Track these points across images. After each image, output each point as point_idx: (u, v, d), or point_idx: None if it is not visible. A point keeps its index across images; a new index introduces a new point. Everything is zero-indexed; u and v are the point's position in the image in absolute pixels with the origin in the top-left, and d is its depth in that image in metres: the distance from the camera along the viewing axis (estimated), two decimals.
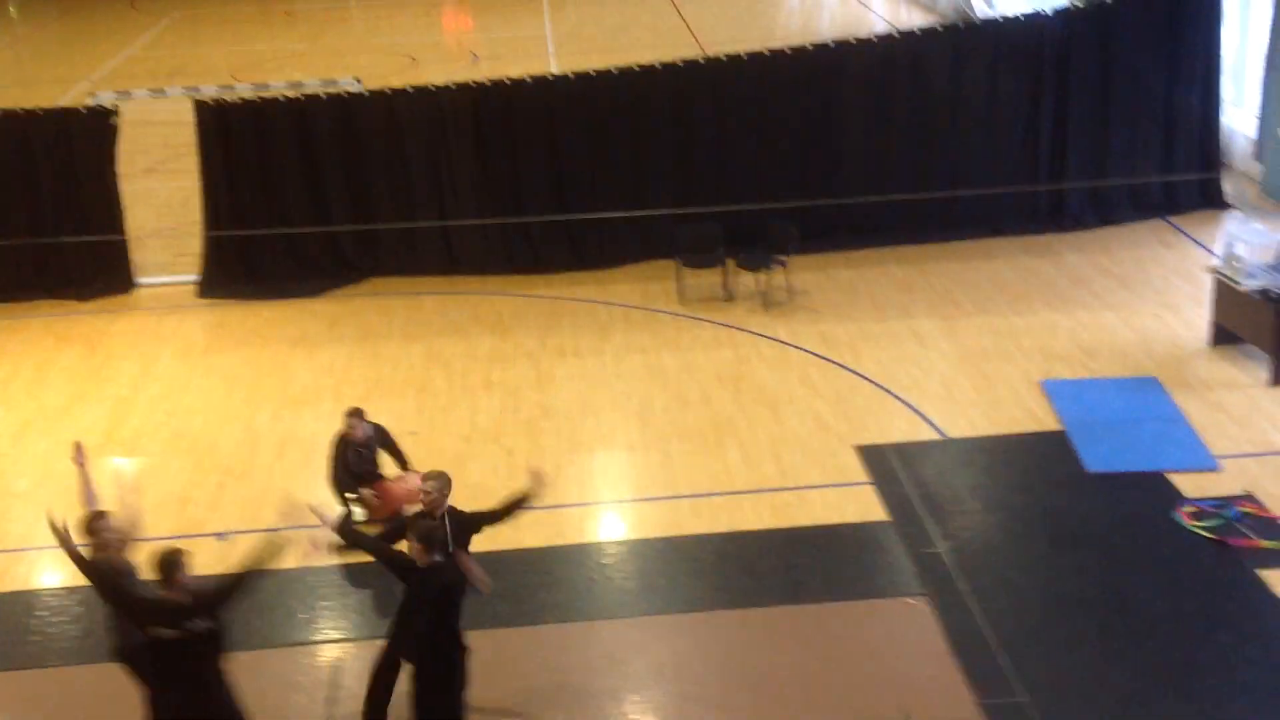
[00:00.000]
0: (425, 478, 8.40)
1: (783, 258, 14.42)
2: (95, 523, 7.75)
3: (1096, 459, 10.68)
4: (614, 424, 11.93)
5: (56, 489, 11.16)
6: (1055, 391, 11.88)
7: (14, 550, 10.32)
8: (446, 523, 8.16)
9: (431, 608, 7.37)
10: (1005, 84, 15.87)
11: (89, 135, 14.96)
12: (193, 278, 15.51)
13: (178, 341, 14.14)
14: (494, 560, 9.05)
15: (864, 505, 10.39)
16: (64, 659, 9.02)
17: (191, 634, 6.82)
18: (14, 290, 15.04)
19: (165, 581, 6.90)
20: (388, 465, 10.54)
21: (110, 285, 15.27)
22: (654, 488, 10.84)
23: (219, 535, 10.32)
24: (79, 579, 9.63)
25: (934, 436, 11.39)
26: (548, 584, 9.57)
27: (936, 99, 15.79)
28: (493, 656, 8.52)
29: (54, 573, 9.96)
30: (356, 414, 10.41)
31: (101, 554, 7.60)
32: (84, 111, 14.99)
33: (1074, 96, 15.95)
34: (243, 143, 15.20)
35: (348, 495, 10.36)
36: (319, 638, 9.14)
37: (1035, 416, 11.58)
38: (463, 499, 10.64)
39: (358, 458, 10.41)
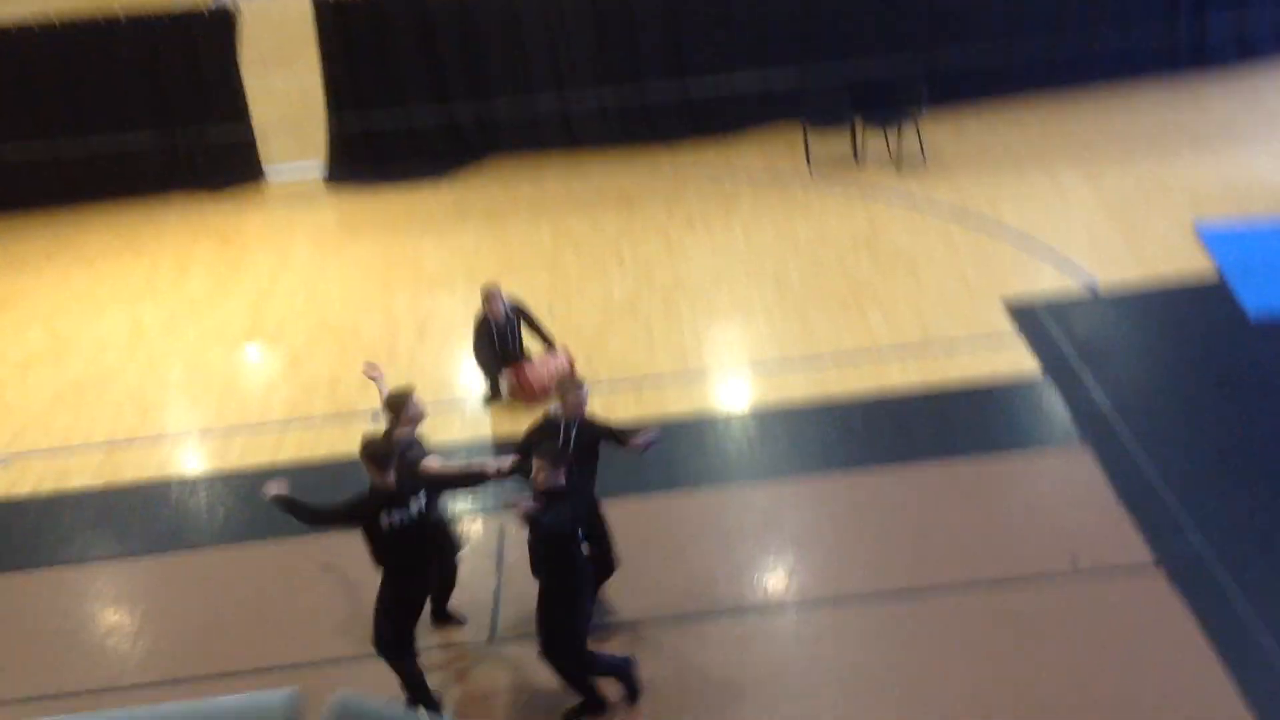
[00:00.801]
0: (565, 384, 7.83)
1: (915, 112, 13.99)
2: (403, 400, 7.81)
3: (1259, 305, 10.29)
4: (749, 293, 11.79)
5: (208, 378, 11.46)
6: (1210, 235, 11.43)
7: (174, 434, 10.61)
8: (572, 437, 7.60)
9: (544, 545, 6.92)
10: None
11: (212, 33, 15.02)
12: (318, 167, 15.60)
13: (309, 231, 14.28)
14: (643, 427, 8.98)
15: (1016, 360, 10.17)
16: (218, 538, 9.26)
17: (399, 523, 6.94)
18: (147, 186, 15.26)
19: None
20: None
21: (239, 177, 15.44)
22: (796, 353, 10.71)
23: (375, 415, 10.45)
24: (229, 464, 10.02)
25: (1083, 289, 11.07)
26: (699, 451, 9.55)
27: None
28: (648, 523, 8.58)
29: (208, 459, 10.21)
30: (494, 293, 10.37)
31: (400, 431, 7.72)
32: (206, 14, 15.08)
33: None
34: (361, 32, 15.11)
35: (495, 376, 10.42)
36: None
37: (1190, 263, 11.17)
38: (604, 370, 10.77)
39: (499, 337, 10.42)
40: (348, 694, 2.51)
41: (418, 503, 7.01)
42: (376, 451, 7.00)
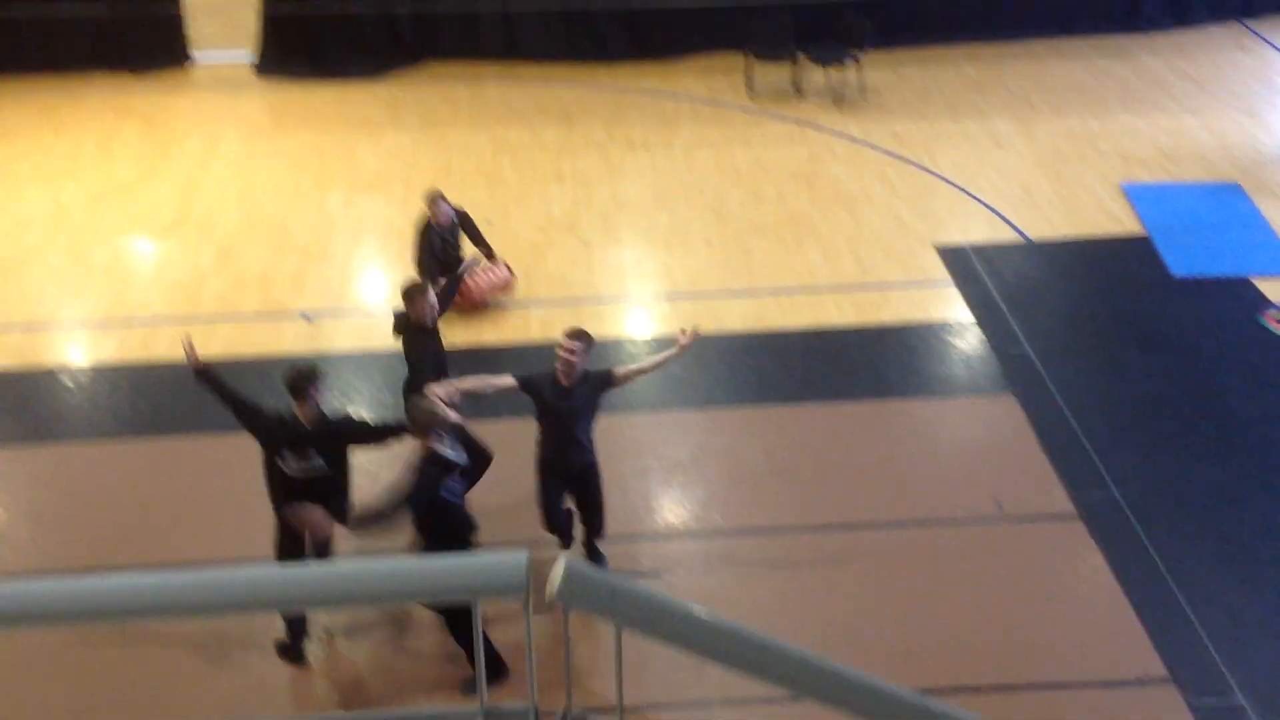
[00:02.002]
0: (568, 336, 7.33)
1: (856, 52, 14.09)
2: (417, 290, 7.91)
3: (1182, 263, 10.66)
4: (689, 218, 11.84)
5: (134, 264, 11.20)
6: (1137, 195, 11.77)
7: (98, 320, 10.38)
8: (581, 389, 7.37)
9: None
10: None
11: None
12: (248, 55, 15.17)
13: (239, 120, 13.93)
14: None
15: (947, 305, 10.42)
16: (140, 429, 9.13)
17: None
18: (68, 62, 14.72)
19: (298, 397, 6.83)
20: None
21: (165, 59, 14.96)
22: (736, 282, 10.83)
23: (304, 315, 10.36)
24: (156, 355, 9.81)
25: (1015, 238, 11.34)
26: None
27: None
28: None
29: (134, 348, 10.02)
30: (439, 197, 10.23)
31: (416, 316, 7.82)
32: None
33: None
34: None
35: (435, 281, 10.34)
36: None
37: (1117, 220, 11.51)
38: (542, 288, 10.77)
39: (443, 243, 10.33)
40: (575, 562, 2.58)
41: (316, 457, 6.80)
42: (294, 380, 6.79)
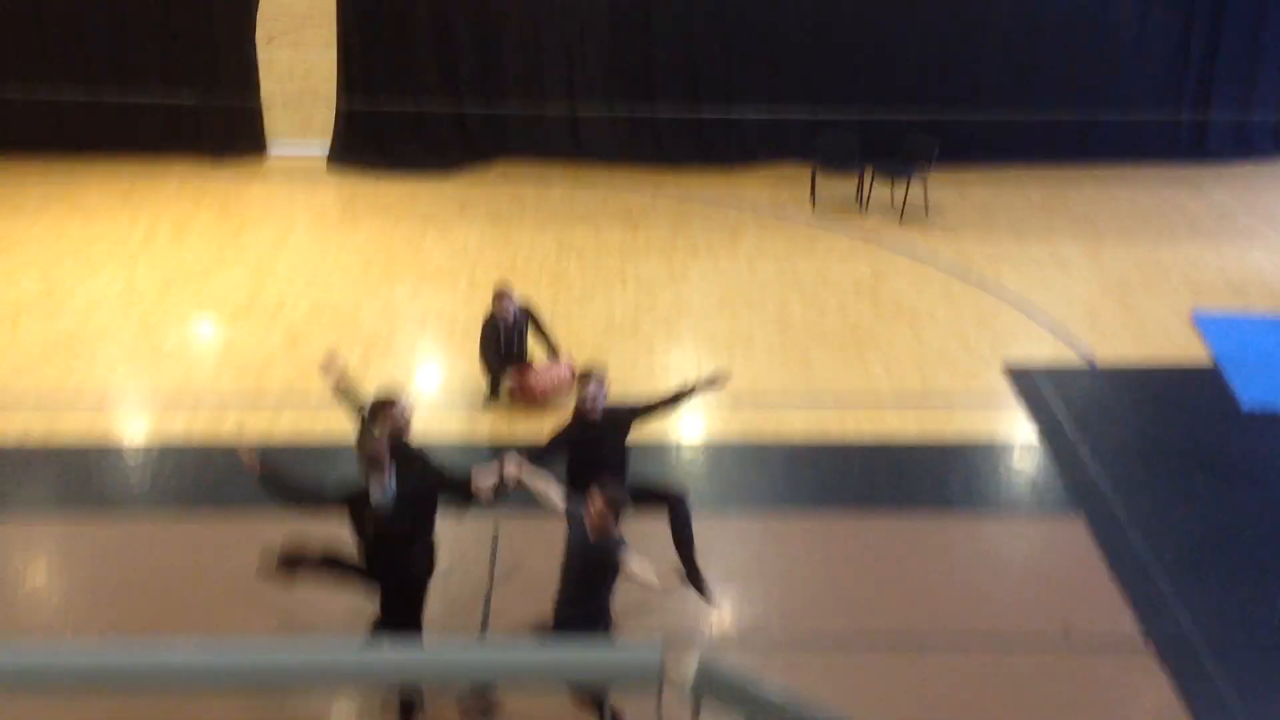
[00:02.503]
0: (583, 377, 7.93)
1: (923, 169, 14.20)
2: (388, 407, 7.65)
3: (1253, 397, 10.55)
4: (752, 326, 11.88)
5: (204, 347, 11.33)
6: (1207, 325, 11.70)
7: (167, 400, 10.47)
8: (606, 429, 7.86)
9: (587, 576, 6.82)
10: (1157, 6, 15.43)
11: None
12: (321, 148, 15.50)
13: (311, 211, 14.18)
14: (636, 453, 8.95)
15: (1012, 424, 10.34)
16: (210, 505, 9.16)
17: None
18: (148, 144, 15.09)
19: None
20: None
21: (242, 148, 15.30)
22: (797, 391, 10.81)
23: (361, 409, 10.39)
24: (223, 437, 9.89)
25: (1081, 363, 11.27)
26: (696, 478, 9.58)
27: (1086, 17, 15.37)
28: (639, 544, 8.60)
29: (202, 429, 10.09)
30: (506, 293, 10.33)
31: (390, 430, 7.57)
32: None
33: (1226, 25, 15.50)
34: (380, 15, 15.08)
35: (498, 376, 10.40)
36: None
37: (1186, 350, 11.43)
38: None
39: (507, 337, 10.40)
40: (709, 656, 2.54)
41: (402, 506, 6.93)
42: (371, 453, 6.86)
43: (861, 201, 14.47)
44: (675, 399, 8.16)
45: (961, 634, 8.02)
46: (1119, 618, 8.18)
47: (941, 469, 9.74)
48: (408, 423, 7.73)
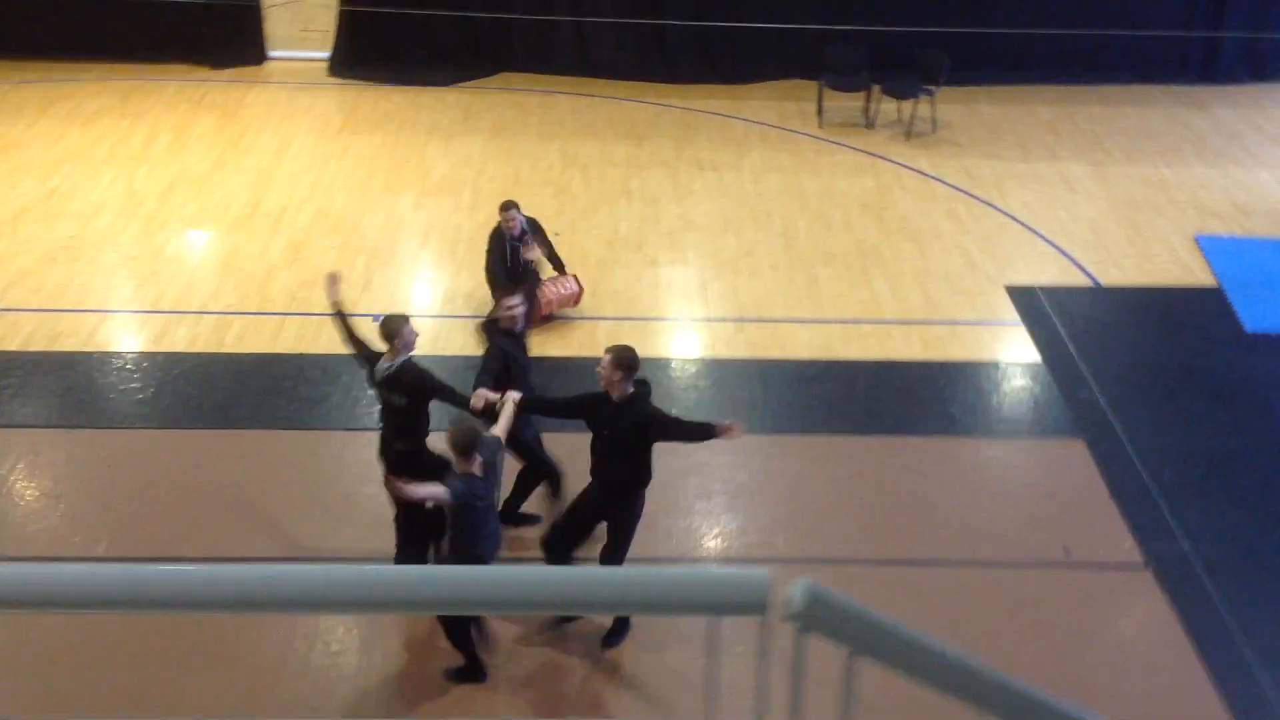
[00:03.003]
0: (608, 353, 7.10)
1: (931, 87, 14.05)
2: (397, 326, 7.38)
3: (1255, 318, 10.55)
4: (756, 242, 11.82)
5: (207, 254, 11.28)
6: (1211, 247, 11.67)
7: (169, 308, 10.44)
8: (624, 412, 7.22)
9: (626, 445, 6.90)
10: None
11: None
12: (323, 54, 15.29)
13: (312, 118, 14.03)
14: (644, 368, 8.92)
15: (1015, 344, 10.34)
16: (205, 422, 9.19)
17: None
18: (147, 51, 14.88)
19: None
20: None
21: (242, 55, 15.09)
22: (802, 309, 10.79)
23: (375, 317, 10.37)
24: (225, 347, 9.86)
25: (1085, 282, 11.26)
26: (704, 399, 9.59)
27: None
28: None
29: (204, 339, 10.07)
30: (512, 206, 10.20)
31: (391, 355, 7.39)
32: None
33: None
34: None
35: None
36: None
37: (1190, 271, 11.41)
38: (608, 305, 10.75)
39: (513, 252, 10.33)
40: (817, 584, 2.55)
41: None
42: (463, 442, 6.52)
43: (868, 118, 14.32)
44: (693, 432, 7.35)
45: (964, 550, 8.10)
46: (1118, 541, 8.25)
47: (945, 389, 9.76)
48: (412, 344, 7.61)
